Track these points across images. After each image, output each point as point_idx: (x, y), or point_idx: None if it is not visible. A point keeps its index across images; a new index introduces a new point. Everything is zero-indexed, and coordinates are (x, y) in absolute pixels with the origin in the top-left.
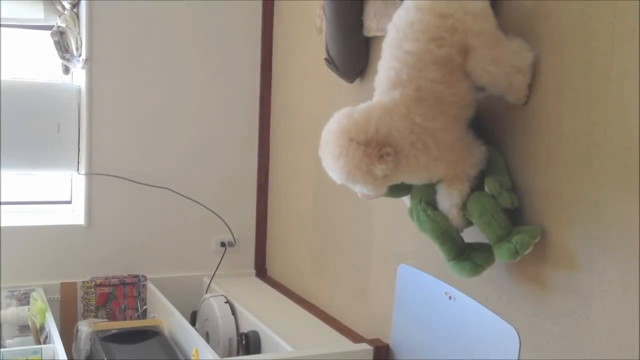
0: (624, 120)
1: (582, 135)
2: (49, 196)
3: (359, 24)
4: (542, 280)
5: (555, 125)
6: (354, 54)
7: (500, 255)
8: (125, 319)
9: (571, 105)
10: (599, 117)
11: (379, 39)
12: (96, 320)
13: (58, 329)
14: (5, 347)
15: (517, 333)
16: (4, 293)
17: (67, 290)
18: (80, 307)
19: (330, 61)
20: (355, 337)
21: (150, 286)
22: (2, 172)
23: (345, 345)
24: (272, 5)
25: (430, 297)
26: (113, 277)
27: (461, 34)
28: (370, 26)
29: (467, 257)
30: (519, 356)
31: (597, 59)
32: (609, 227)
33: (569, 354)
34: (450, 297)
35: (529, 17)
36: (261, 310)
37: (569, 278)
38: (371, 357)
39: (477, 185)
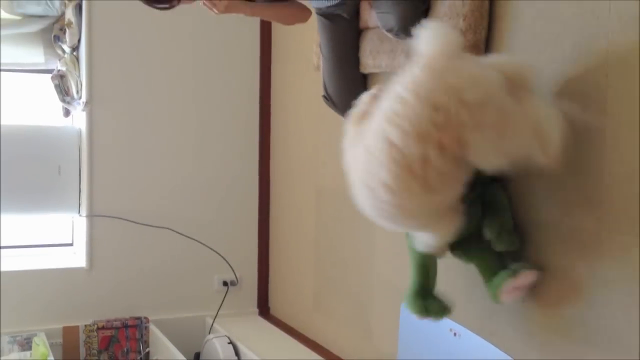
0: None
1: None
2: (50, 239)
3: (356, 61)
4: (547, 314)
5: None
6: (351, 91)
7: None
8: None
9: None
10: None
11: (376, 75)
12: None
13: None
14: None
15: None
16: (6, 339)
17: (69, 334)
18: (82, 351)
19: (328, 98)
20: None
21: (153, 328)
22: (2, 216)
23: None
24: (270, 43)
25: (434, 334)
26: (115, 320)
27: (454, 129)
28: (367, 63)
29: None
30: None
31: (593, 93)
32: (610, 260)
33: None
34: (455, 334)
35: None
36: (265, 351)
37: (573, 312)
38: None
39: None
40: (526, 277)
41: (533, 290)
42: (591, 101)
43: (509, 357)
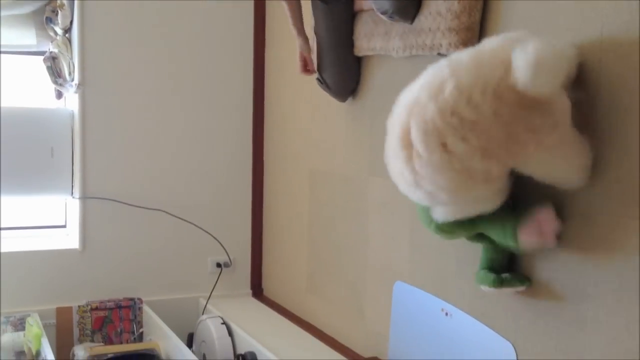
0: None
1: None
2: (43, 221)
3: (350, 44)
4: (537, 294)
5: None
6: (345, 74)
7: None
8: (121, 343)
9: None
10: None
11: (370, 58)
12: (92, 344)
13: (54, 354)
14: None
15: (514, 348)
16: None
17: (63, 314)
18: (76, 331)
19: (322, 81)
20: (353, 356)
21: (146, 309)
22: None
23: None
24: (264, 27)
25: (426, 313)
26: (109, 301)
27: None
28: (361, 46)
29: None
30: None
31: (587, 77)
32: (601, 241)
33: None
34: (446, 314)
35: None
36: (258, 331)
37: (564, 292)
38: None
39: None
40: (547, 214)
41: (524, 271)
42: (585, 85)
43: (500, 336)
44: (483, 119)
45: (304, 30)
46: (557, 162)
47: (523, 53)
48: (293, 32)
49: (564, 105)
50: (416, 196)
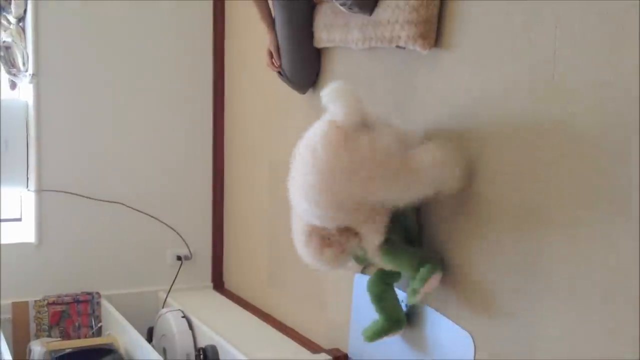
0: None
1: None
2: None
3: (310, 35)
4: (493, 284)
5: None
6: (305, 66)
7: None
8: (79, 338)
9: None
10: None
11: (330, 50)
12: (50, 339)
13: (10, 350)
14: None
15: (472, 338)
16: None
17: (19, 309)
18: (32, 326)
19: (282, 73)
20: (314, 348)
21: (105, 303)
22: None
23: (304, 355)
24: (223, 17)
25: None
26: (66, 295)
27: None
28: (321, 37)
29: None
30: None
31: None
32: (554, 228)
33: (523, 355)
34: (406, 305)
35: None
36: (219, 324)
37: (517, 281)
38: None
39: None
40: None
41: (479, 262)
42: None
43: (459, 326)
44: None
45: (273, 26)
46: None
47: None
48: (264, 27)
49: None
50: None
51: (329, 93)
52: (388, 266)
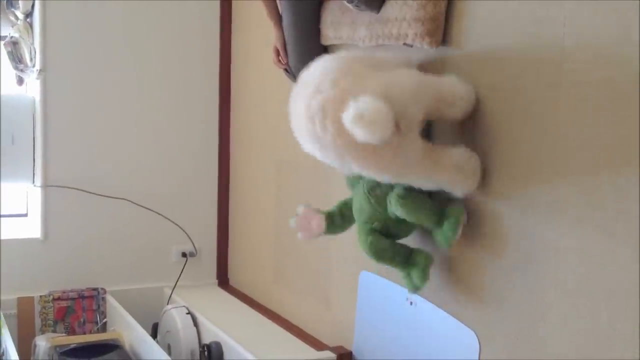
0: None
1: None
2: (4, 209)
3: (317, 32)
4: (497, 282)
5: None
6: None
7: (439, 243)
8: (84, 333)
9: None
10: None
11: (337, 47)
12: (54, 334)
13: (15, 345)
14: None
15: (477, 336)
16: None
17: (25, 304)
18: (38, 321)
19: (289, 70)
20: (319, 345)
21: (110, 299)
22: None
23: (308, 353)
24: (230, 13)
25: (391, 303)
26: (71, 291)
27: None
28: (328, 35)
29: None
30: (479, 359)
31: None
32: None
33: (527, 353)
34: (411, 303)
35: None
36: (223, 321)
37: (522, 278)
38: None
39: None
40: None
41: (483, 258)
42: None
43: (464, 325)
44: None
45: (280, 23)
46: (425, 183)
47: (350, 109)
48: (271, 24)
49: (412, 144)
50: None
51: (358, 116)
52: (404, 217)
